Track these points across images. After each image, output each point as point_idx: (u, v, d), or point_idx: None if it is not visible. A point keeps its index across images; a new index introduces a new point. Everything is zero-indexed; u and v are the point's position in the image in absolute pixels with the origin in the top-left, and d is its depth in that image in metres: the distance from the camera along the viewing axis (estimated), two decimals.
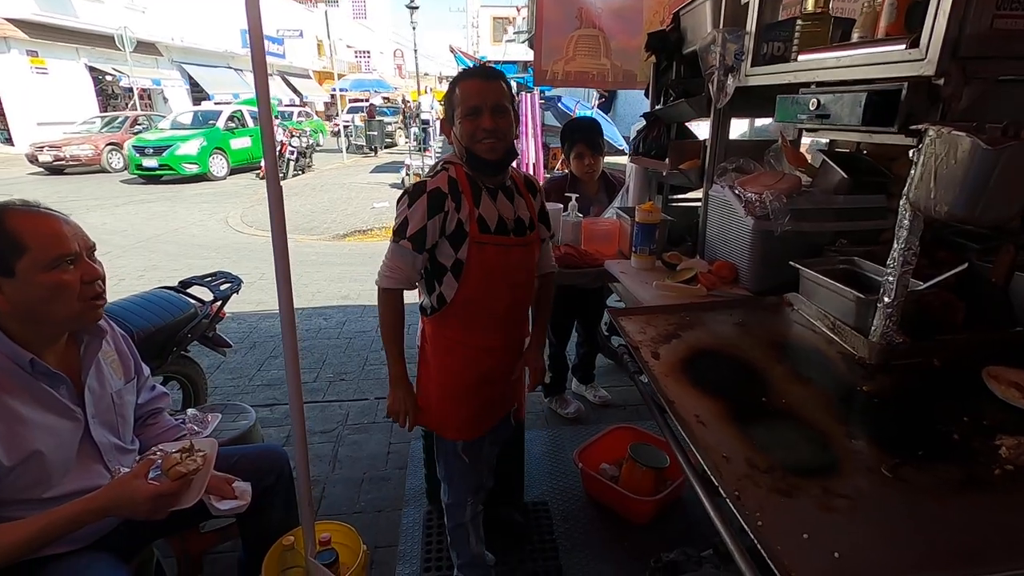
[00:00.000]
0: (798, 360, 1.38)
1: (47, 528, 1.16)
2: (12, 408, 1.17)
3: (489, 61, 9.84)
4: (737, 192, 1.82)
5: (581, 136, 2.63)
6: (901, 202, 1.22)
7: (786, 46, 1.75)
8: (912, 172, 1.16)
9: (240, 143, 13.66)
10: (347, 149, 16.49)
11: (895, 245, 1.25)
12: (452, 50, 10.67)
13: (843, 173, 1.75)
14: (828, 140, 2.11)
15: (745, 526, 0.85)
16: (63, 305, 1.22)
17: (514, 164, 1.61)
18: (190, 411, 2.14)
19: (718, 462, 1.00)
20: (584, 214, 2.56)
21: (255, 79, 1.32)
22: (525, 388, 1.86)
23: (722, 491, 0.92)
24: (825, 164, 1.83)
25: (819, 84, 1.50)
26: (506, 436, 1.92)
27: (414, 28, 14.10)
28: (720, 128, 2.00)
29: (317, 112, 25.91)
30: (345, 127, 17.57)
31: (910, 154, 1.17)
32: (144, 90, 19.11)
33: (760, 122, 2.70)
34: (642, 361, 1.37)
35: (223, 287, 2.48)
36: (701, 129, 2.63)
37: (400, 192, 1.57)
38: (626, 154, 4.78)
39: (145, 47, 17.91)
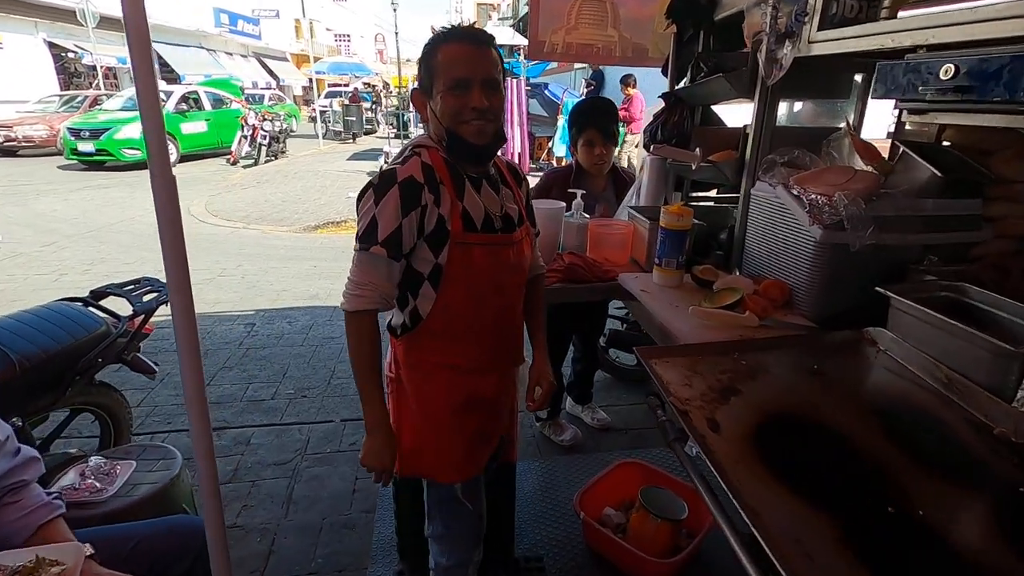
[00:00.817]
0: (911, 434, 0.98)
1: None
2: None
3: None
4: (796, 192, 1.42)
5: (593, 120, 2.21)
6: None
7: (864, 4, 1.35)
8: None
9: (192, 127, 12.38)
10: (324, 135, 15.81)
11: None
12: (434, 31, 10.09)
13: (935, 170, 1.36)
14: (893, 128, 1.72)
15: None
16: None
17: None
18: (93, 460, 1.69)
19: None
20: (589, 214, 2.14)
21: (129, 47, 0.88)
22: (517, 419, 1.55)
23: None
24: (906, 158, 1.44)
25: (930, 48, 1.10)
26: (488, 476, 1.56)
27: (395, 9, 13.45)
28: (768, 110, 1.59)
29: (295, 96, 25.03)
30: (323, 112, 16.85)
31: None
32: (109, 69, 18.11)
33: (782, 109, 2.29)
34: (696, 435, 0.96)
35: (146, 298, 2.01)
36: (728, 114, 2.22)
37: (362, 186, 1.20)
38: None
39: (109, 23, 16.89)
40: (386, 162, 10.37)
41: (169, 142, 9.62)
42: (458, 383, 1.32)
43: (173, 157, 10.79)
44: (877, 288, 1.22)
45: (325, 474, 2.51)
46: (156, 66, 1.05)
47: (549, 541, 2.13)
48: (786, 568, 0.70)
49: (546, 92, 11.13)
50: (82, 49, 16.76)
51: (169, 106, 11.60)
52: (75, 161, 11.12)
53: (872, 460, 0.91)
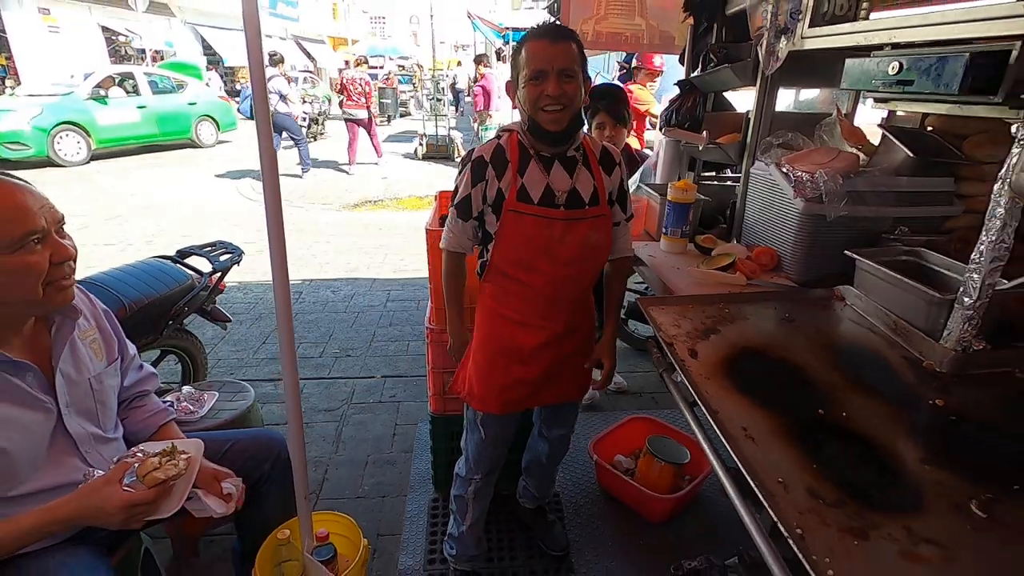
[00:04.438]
0: (857, 365, 1.21)
1: (2, 542, 1.04)
2: None
3: (507, 28, 9.46)
4: (785, 170, 1.63)
5: (603, 104, 2.42)
6: (996, 187, 1.04)
7: (850, 4, 1.54)
8: (1014, 151, 0.98)
9: (115, 116, 9.82)
10: None
11: (983, 237, 1.07)
12: (470, 16, 10.25)
13: (908, 151, 1.55)
14: (886, 113, 1.90)
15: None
16: (27, 290, 1.08)
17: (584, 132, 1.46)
18: (186, 389, 2.04)
19: (774, 491, 0.85)
20: None
21: (247, 37, 1.14)
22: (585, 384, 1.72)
23: (782, 528, 0.77)
24: (886, 141, 1.63)
25: (894, 46, 1.30)
26: (556, 435, 1.84)
27: None
28: (767, 98, 1.79)
29: (331, 79, 25.43)
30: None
31: (1013, 129, 0.98)
32: (157, 52, 18.82)
33: (805, 95, 2.47)
34: (678, 360, 1.21)
35: (223, 258, 2.34)
36: (740, 100, 2.41)
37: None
38: (649, 128, 4.54)
39: (158, 7, 17.56)
40: (421, 143, 10.66)
41: (76, 136, 8.54)
42: (503, 329, 1.53)
43: (81, 155, 9.25)
44: (846, 252, 1.43)
45: (369, 420, 2.83)
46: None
47: (566, 482, 2.40)
48: (733, 447, 0.95)
49: None
50: (132, 33, 17.45)
51: (82, 91, 9.50)
52: None
53: (817, 382, 1.14)
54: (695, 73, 2.31)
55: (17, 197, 1.07)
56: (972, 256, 1.09)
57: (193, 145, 11.65)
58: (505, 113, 8.63)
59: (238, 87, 17.44)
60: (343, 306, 4.24)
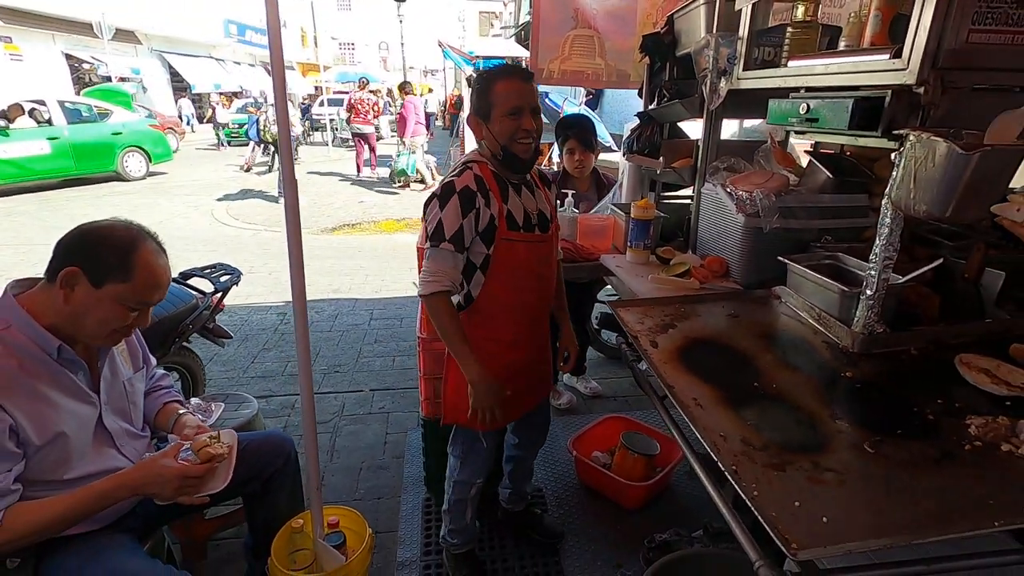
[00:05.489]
0: (787, 349, 1.47)
1: (81, 503, 1.21)
2: (41, 392, 1.22)
3: (477, 56, 9.83)
4: (729, 190, 1.91)
5: (573, 132, 2.69)
6: (883, 201, 1.31)
7: (776, 51, 1.84)
8: (894, 173, 1.26)
9: (18, 150, 8.95)
10: (332, 142, 16.34)
11: (877, 241, 1.35)
12: (440, 44, 10.62)
13: (828, 173, 1.85)
14: (814, 141, 2.21)
15: (743, 496, 0.93)
16: (100, 329, 1.27)
17: None
18: (194, 400, 2.18)
19: (716, 441, 1.08)
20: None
21: (273, 75, 1.36)
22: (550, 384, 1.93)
23: (721, 466, 1.00)
24: (812, 164, 1.93)
25: (808, 89, 1.59)
26: (540, 421, 2.01)
27: (401, 21, 14.02)
28: (712, 128, 2.08)
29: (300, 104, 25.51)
30: (331, 120, 17.32)
31: (892, 157, 1.26)
32: (123, 79, 18.69)
33: (749, 123, 2.80)
34: (641, 349, 1.44)
35: (223, 279, 2.51)
36: (693, 129, 2.72)
37: (428, 196, 1.54)
38: (613, 151, 4.87)
39: (124, 35, 17.52)
40: (394, 168, 10.87)
41: None
42: (498, 354, 1.61)
43: None
44: (779, 258, 1.70)
45: (360, 431, 2.99)
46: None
47: (548, 477, 2.60)
48: (686, 413, 1.18)
49: (547, 101, 11.60)
50: (98, 60, 17.35)
51: None
52: None
53: (754, 363, 1.39)
54: (652, 106, 2.62)
55: (162, 278, 1.32)
56: (869, 256, 1.36)
57: (119, 178, 10.71)
58: (421, 138, 9.55)
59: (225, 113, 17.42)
60: (328, 325, 4.38)
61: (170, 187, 10.60)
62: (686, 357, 1.41)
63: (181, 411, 1.59)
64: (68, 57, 17.45)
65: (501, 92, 1.46)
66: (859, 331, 1.40)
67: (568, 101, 10.32)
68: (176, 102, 20.19)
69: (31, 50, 16.09)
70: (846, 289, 1.44)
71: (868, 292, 1.37)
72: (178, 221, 7.88)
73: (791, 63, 1.63)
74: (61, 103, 9.80)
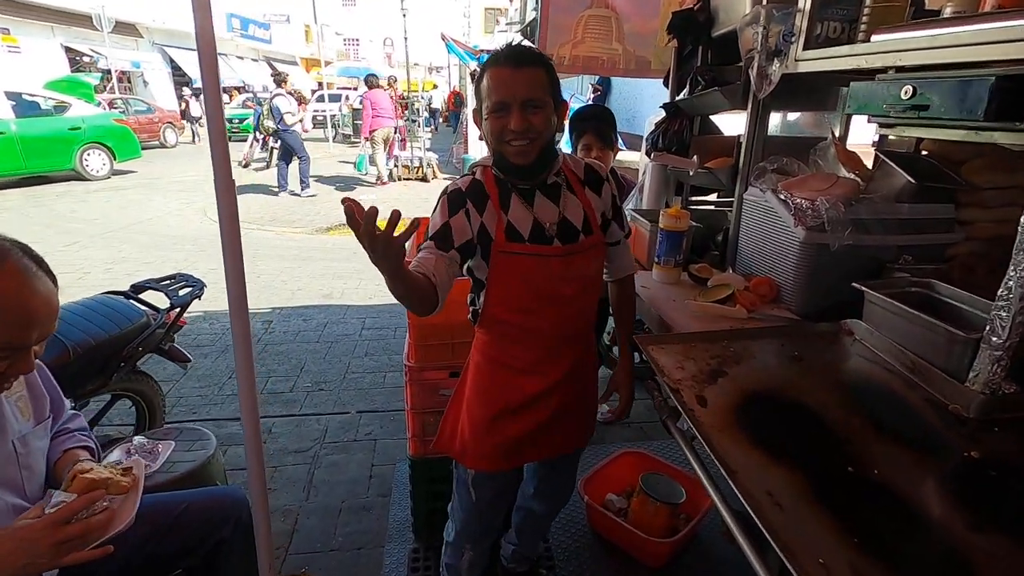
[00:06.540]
0: (877, 409, 1.12)
1: None
2: None
3: (482, 50, 9.48)
4: (783, 197, 1.55)
5: (590, 126, 2.33)
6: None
7: (845, 26, 1.49)
8: None
9: None
10: (333, 138, 16.00)
11: (1011, 272, 0.99)
12: (444, 38, 10.25)
13: (909, 177, 1.49)
14: (877, 137, 1.85)
15: None
16: None
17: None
18: (137, 439, 1.84)
19: (814, 573, 0.73)
20: None
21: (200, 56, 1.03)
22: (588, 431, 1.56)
23: None
24: (884, 166, 1.57)
25: (899, 69, 1.24)
26: (564, 476, 1.69)
27: (404, 15, 13.63)
28: (759, 121, 1.73)
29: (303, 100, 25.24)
30: (332, 116, 17.01)
31: None
32: (123, 73, 18.43)
33: (782, 117, 2.43)
34: (686, 408, 1.09)
35: (182, 292, 2.17)
36: (725, 123, 2.36)
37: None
38: (622, 150, 4.49)
39: (124, 28, 17.26)
40: (395, 164, 10.56)
41: None
42: (505, 379, 1.38)
43: None
44: (854, 284, 1.35)
45: (343, 461, 2.65)
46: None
47: (555, 525, 2.25)
48: (759, 516, 0.83)
49: None
50: (97, 53, 17.09)
51: None
52: None
53: (839, 431, 1.04)
54: (681, 96, 2.25)
55: (31, 308, 0.98)
56: (1000, 292, 1.01)
57: (78, 177, 9.80)
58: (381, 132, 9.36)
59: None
60: (315, 335, 4.05)
61: (166, 184, 10.30)
62: (746, 421, 1.06)
63: (82, 458, 1.24)
64: (67, 50, 17.20)
65: (487, 85, 1.20)
66: (979, 390, 1.05)
67: (575, 97, 9.96)
68: (180, 99, 19.92)
69: (29, 42, 15.86)
70: (963, 334, 1.09)
71: (995, 340, 1.02)
72: (170, 219, 7.56)
73: (876, 37, 1.27)
74: (8, 94, 8.81)
